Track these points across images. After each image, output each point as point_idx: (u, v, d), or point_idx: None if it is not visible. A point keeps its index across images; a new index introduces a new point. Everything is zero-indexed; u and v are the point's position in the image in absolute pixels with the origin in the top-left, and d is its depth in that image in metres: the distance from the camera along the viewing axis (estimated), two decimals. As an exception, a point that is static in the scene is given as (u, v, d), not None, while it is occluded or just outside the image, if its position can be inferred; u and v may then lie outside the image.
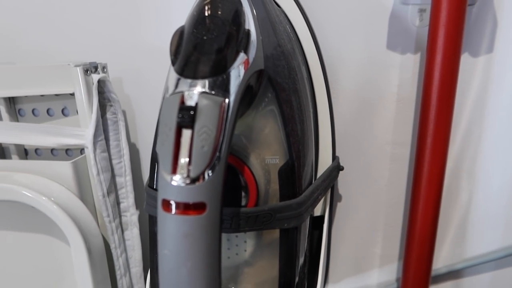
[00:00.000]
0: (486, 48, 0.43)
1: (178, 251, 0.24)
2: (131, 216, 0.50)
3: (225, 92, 0.24)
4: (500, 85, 0.44)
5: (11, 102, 0.50)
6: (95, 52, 0.51)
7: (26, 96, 0.49)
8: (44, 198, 0.43)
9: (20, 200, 0.43)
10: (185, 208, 0.24)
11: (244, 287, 0.37)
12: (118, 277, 0.50)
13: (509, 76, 0.43)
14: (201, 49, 0.25)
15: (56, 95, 0.48)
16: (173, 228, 0.24)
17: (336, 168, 0.44)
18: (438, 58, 0.39)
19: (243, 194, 0.33)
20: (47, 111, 0.50)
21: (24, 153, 0.52)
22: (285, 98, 0.32)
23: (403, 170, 0.49)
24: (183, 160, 0.23)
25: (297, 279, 0.36)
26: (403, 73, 0.45)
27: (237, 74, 0.25)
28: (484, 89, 0.44)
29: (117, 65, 0.50)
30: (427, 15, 0.42)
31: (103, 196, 0.46)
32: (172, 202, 0.24)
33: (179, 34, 0.26)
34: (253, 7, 0.30)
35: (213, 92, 0.24)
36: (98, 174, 0.45)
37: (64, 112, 0.49)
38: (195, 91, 0.24)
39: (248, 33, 0.27)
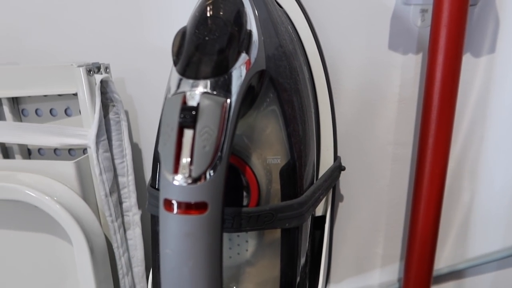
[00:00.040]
0: (488, 48, 0.43)
1: (179, 250, 0.24)
2: (133, 216, 0.50)
3: (227, 92, 0.24)
4: (502, 85, 0.44)
5: (15, 102, 0.50)
6: (97, 53, 0.52)
7: (29, 96, 0.49)
8: (47, 197, 0.43)
9: (23, 199, 0.43)
10: (186, 207, 0.24)
11: (245, 286, 0.37)
12: (120, 276, 0.50)
13: (511, 76, 0.43)
14: (203, 49, 0.25)
15: (59, 95, 0.48)
16: (175, 228, 0.24)
17: (337, 168, 0.44)
18: (440, 58, 0.39)
19: (244, 194, 0.33)
20: (50, 111, 0.50)
21: (27, 153, 0.53)
22: (286, 98, 0.32)
23: (404, 170, 0.49)
24: (185, 160, 0.23)
25: (298, 279, 0.36)
26: (405, 73, 0.45)
27: (238, 74, 0.25)
28: (486, 90, 0.44)
29: (120, 65, 0.51)
30: (429, 16, 0.42)
31: (106, 196, 0.46)
32: (174, 202, 0.24)
33: (181, 35, 0.26)
34: (254, 7, 0.30)
35: (214, 93, 0.24)
36: (100, 173, 0.45)
37: (67, 112, 0.49)
38: (197, 92, 0.24)
39: (249, 33, 0.27)
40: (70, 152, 0.52)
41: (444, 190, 0.43)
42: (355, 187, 0.51)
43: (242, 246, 0.36)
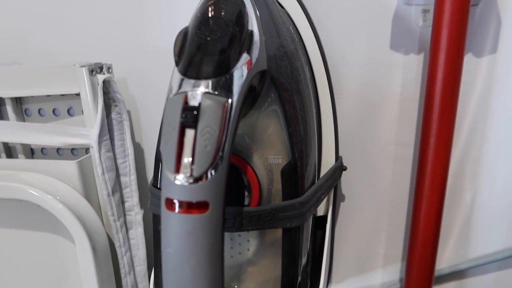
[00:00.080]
0: (489, 48, 0.43)
1: (181, 249, 0.25)
2: (136, 215, 0.50)
3: (228, 92, 0.25)
4: (503, 85, 0.44)
5: (18, 102, 0.50)
6: (100, 53, 0.52)
7: (32, 96, 0.50)
8: (50, 197, 0.43)
9: (26, 198, 0.44)
10: (188, 207, 0.24)
11: (247, 286, 0.37)
12: (122, 275, 0.50)
13: (513, 77, 0.43)
14: (205, 49, 0.25)
15: (62, 95, 0.48)
16: (176, 227, 0.24)
17: (339, 168, 0.44)
18: (441, 58, 0.39)
19: (246, 193, 0.33)
20: (53, 111, 0.50)
21: (31, 152, 0.53)
22: (288, 98, 0.32)
23: (406, 171, 0.49)
24: (186, 159, 0.23)
25: (299, 278, 0.36)
26: (406, 73, 0.45)
27: (240, 74, 0.25)
28: (487, 90, 0.44)
29: (122, 65, 0.51)
30: (430, 16, 0.42)
31: (108, 195, 0.46)
32: (176, 201, 0.24)
33: (183, 35, 0.26)
34: (256, 8, 0.30)
35: (216, 93, 0.24)
36: (103, 173, 0.45)
37: (69, 112, 0.50)
38: (199, 91, 0.24)
39: (251, 34, 0.27)
40: (73, 152, 0.52)
41: (446, 190, 0.43)
42: (356, 187, 0.51)
43: (244, 245, 0.36)
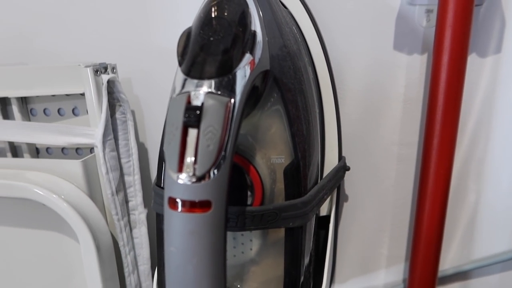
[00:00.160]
0: (494, 48, 0.43)
1: (184, 248, 0.25)
2: (139, 215, 0.51)
3: (231, 92, 0.25)
4: (508, 86, 0.43)
5: (23, 102, 0.51)
6: (104, 53, 0.52)
7: (37, 96, 0.50)
8: (54, 196, 0.43)
9: (31, 197, 0.44)
10: (191, 206, 0.24)
11: (249, 285, 0.37)
12: (126, 274, 0.50)
13: (517, 77, 0.43)
14: (208, 50, 0.25)
15: (67, 95, 0.49)
16: (179, 226, 0.24)
17: (342, 168, 0.44)
18: (445, 58, 0.38)
19: (248, 193, 0.33)
20: (58, 110, 0.51)
21: (36, 152, 0.53)
22: (290, 98, 0.32)
23: (409, 171, 0.49)
24: (189, 159, 0.23)
25: (302, 278, 0.36)
26: (409, 73, 0.45)
27: (243, 74, 0.26)
28: (491, 90, 0.44)
29: (126, 66, 0.51)
30: (434, 16, 0.42)
31: (112, 195, 0.47)
32: (178, 200, 0.24)
33: (186, 35, 0.26)
34: (259, 8, 0.30)
35: (219, 92, 0.24)
36: (107, 172, 0.46)
37: (74, 112, 0.50)
38: (201, 91, 0.24)
39: (254, 34, 0.27)
40: (77, 151, 0.52)
41: (450, 190, 0.43)
42: (359, 187, 0.51)
43: (246, 245, 0.36)
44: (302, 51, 0.37)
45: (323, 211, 0.44)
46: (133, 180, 0.49)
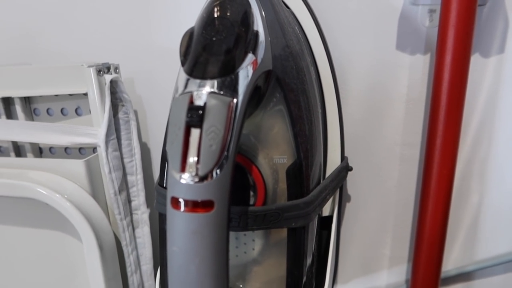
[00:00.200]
0: (497, 48, 0.42)
1: (186, 248, 0.25)
2: (142, 214, 0.51)
3: (234, 92, 0.25)
4: (511, 86, 0.43)
5: (27, 101, 0.51)
6: (107, 54, 0.52)
7: (41, 96, 0.50)
8: (57, 195, 0.44)
9: (34, 197, 0.44)
10: (193, 205, 0.24)
11: (252, 285, 0.38)
12: (129, 274, 0.51)
13: (521, 77, 0.43)
14: (210, 50, 0.25)
15: (70, 95, 0.49)
16: (181, 225, 0.25)
17: (344, 168, 0.44)
18: (447, 58, 0.38)
19: (251, 193, 0.33)
20: (61, 110, 0.51)
21: (39, 151, 0.53)
22: (293, 98, 0.32)
23: (412, 171, 0.49)
24: (192, 158, 0.23)
25: (305, 278, 0.36)
26: (412, 73, 0.45)
27: (245, 74, 0.26)
28: (495, 90, 0.44)
29: (129, 66, 0.51)
30: (437, 16, 0.42)
31: (115, 194, 0.47)
32: (181, 200, 0.24)
33: (189, 36, 0.26)
34: (261, 8, 0.30)
35: (221, 92, 0.24)
36: (110, 172, 0.46)
37: (77, 112, 0.50)
38: (204, 91, 0.24)
39: (256, 34, 0.28)
40: (80, 151, 0.53)
41: (452, 191, 0.43)
42: (362, 188, 0.51)
43: (249, 245, 0.36)
44: (304, 51, 0.37)
45: (326, 211, 0.44)
46: (136, 180, 0.50)
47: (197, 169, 0.23)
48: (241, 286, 0.38)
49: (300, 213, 0.33)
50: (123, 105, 0.47)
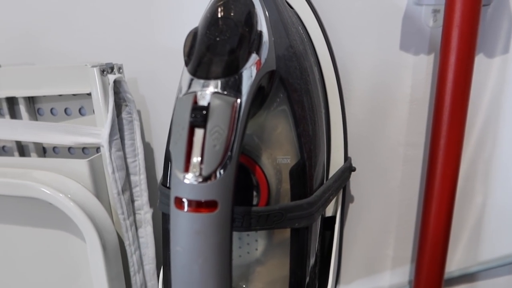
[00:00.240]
0: (501, 48, 0.42)
1: (190, 248, 0.25)
2: (145, 214, 0.51)
3: (237, 92, 0.25)
4: (516, 86, 0.43)
5: (31, 101, 0.51)
6: (111, 54, 0.53)
7: (45, 96, 0.50)
8: (61, 195, 0.44)
9: (38, 196, 0.44)
10: (197, 205, 0.24)
11: (255, 285, 0.38)
12: (132, 273, 0.51)
13: (526, 77, 0.43)
14: (214, 50, 0.25)
15: (74, 95, 0.49)
16: (185, 225, 0.25)
17: (348, 168, 0.44)
18: (452, 59, 0.38)
19: (254, 193, 0.33)
20: (65, 110, 0.51)
21: (43, 151, 0.54)
22: (296, 98, 0.32)
23: (416, 172, 0.49)
24: (196, 158, 0.23)
25: (308, 279, 0.36)
26: (416, 74, 0.45)
27: (249, 74, 0.26)
28: (499, 90, 0.44)
29: (133, 66, 0.51)
30: (441, 16, 0.42)
31: (118, 194, 0.47)
32: (185, 200, 0.24)
33: (193, 36, 0.26)
34: (265, 8, 0.30)
35: (225, 92, 0.24)
36: (113, 172, 0.46)
37: (81, 112, 0.50)
38: (208, 91, 0.24)
39: (260, 34, 0.27)
40: (84, 151, 0.53)
41: (456, 191, 0.43)
42: (365, 188, 0.51)
43: (252, 245, 0.36)
44: (308, 51, 0.37)
45: (329, 211, 0.44)
46: (139, 180, 0.50)
47: (200, 169, 0.23)
48: (244, 286, 0.38)
49: (303, 214, 0.33)
50: (126, 105, 0.47)
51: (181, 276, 0.26)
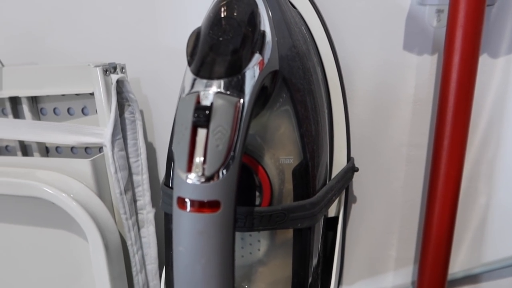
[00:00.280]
0: (505, 48, 0.42)
1: (192, 248, 0.25)
2: (147, 214, 0.51)
3: (240, 92, 0.25)
4: (520, 87, 0.43)
5: (34, 101, 0.51)
6: (114, 53, 0.53)
7: (48, 96, 0.51)
8: (64, 194, 0.44)
9: (41, 196, 0.44)
10: (199, 206, 0.24)
11: (257, 286, 0.37)
12: (134, 273, 0.51)
13: (530, 78, 0.42)
14: (217, 50, 0.25)
15: (77, 94, 0.49)
16: (188, 226, 0.24)
17: (351, 169, 0.44)
18: (455, 59, 0.38)
19: (257, 193, 0.33)
20: (68, 110, 0.51)
21: (46, 151, 0.54)
22: (299, 98, 0.32)
23: (419, 172, 0.49)
24: (198, 158, 0.23)
25: (310, 279, 0.36)
26: (419, 74, 0.45)
27: (252, 74, 0.26)
28: (503, 91, 0.43)
29: (135, 66, 0.51)
30: (444, 16, 0.42)
31: (121, 194, 0.47)
32: (187, 200, 0.24)
33: (196, 35, 0.26)
34: (268, 8, 0.30)
35: (228, 92, 0.24)
36: (115, 172, 0.46)
37: (84, 112, 0.50)
38: (211, 91, 0.24)
39: (263, 34, 0.27)
40: (87, 151, 0.53)
41: (460, 192, 0.43)
42: (368, 189, 0.51)
43: (254, 245, 0.36)
44: (311, 51, 0.37)
45: (331, 212, 0.44)
46: (142, 180, 0.50)
47: (203, 169, 0.23)
48: (246, 286, 0.38)
49: (306, 214, 0.33)
50: (129, 105, 0.47)
51: (184, 276, 0.26)
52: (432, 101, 0.46)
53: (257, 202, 0.33)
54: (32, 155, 0.53)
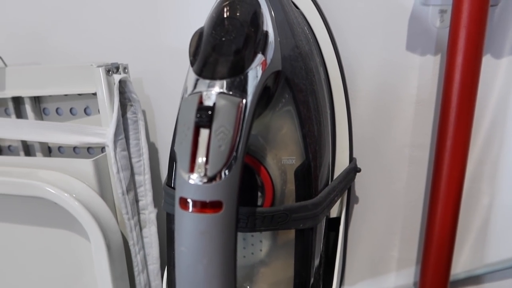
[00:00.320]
0: (509, 49, 0.42)
1: (194, 248, 0.25)
2: (149, 214, 0.51)
3: (243, 92, 0.25)
4: (523, 87, 0.43)
5: (36, 101, 0.52)
6: (116, 54, 0.53)
7: (50, 96, 0.51)
8: (66, 194, 0.44)
9: (43, 196, 0.44)
10: (202, 206, 0.24)
11: (259, 286, 0.37)
12: (136, 273, 0.51)
13: (533, 78, 0.42)
14: (220, 50, 0.25)
15: (79, 94, 0.49)
16: (190, 226, 0.24)
17: (353, 169, 0.44)
18: (458, 59, 0.38)
19: (259, 194, 0.33)
20: (70, 110, 0.51)
21: (48, 150, 0.54)
22: (302, 99, 0.32)
23: (421, 173, 0.49)
24: (201, 159, 0.23)
25: (312, 280, 0.36)
26: (422, 74, 0.45)
27: (254, 75, 0.25)
28: (506, 91, 0.43)
29: (138, 66, 0.51)
30: (448, 16, 0.42)
31: (123, 194, 0.47)
32: (189, 200, 0.24)
33: (198, 36, 0.26)
34: (271, 8, 0.30)
35: (230, 93, 0.24)
36: (118, 172, 0.46)
37: (86, 112, 0.50)
38: (213, 92, 0.24)
39: (266, 34, 0.27)
40: (89, 151, 0.53)
41: (462, 193, 0.43)
42: (370, 189, 0.50)
43: (256, 246, 0.36)
44: (313, 52, 0.37)
45: (334, 213, 0.44)
46: (144, 180, 0.50)
47: (205, 169, 0.23)
48: (248, 287, 0.38)
49: (308, 215, 0.33)
50: (131, 105, 0.47)
51: (186, 276, 0.26)
52: (435, 102, 0.45)
53: (259, 203, 0.33)
54: (34, 155, 0.53)
